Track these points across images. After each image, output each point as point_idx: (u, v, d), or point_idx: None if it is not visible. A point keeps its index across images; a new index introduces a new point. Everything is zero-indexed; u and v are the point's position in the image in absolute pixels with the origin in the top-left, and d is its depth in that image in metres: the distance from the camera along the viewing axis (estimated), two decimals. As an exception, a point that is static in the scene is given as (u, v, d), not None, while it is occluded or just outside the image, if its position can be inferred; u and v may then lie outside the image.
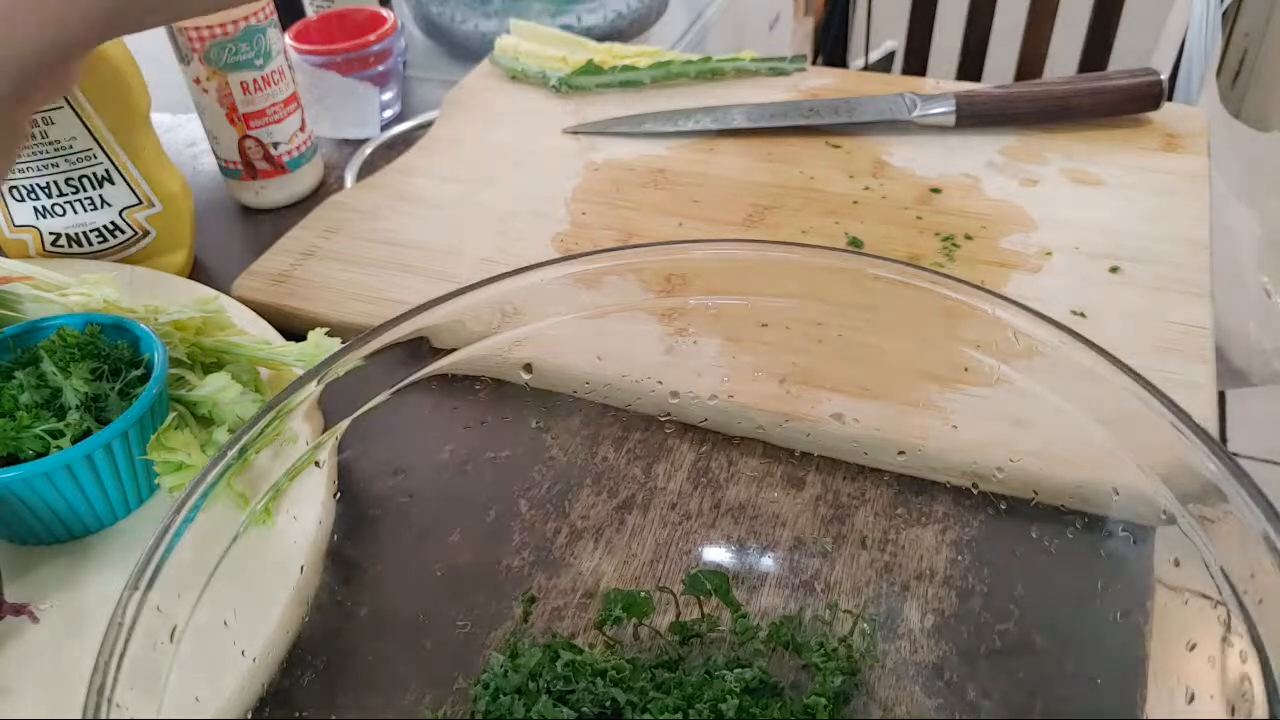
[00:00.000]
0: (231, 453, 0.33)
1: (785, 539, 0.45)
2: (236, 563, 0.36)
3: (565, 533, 0.47)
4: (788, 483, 0.48)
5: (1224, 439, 1.60)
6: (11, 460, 0.41)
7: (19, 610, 0.38)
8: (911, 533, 0.45)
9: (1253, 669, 0.29)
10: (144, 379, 0.44)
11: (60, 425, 0.41)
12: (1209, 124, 0.69)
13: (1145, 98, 0.67)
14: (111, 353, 0.44)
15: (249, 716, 0.36)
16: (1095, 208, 0.61)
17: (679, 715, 0.36)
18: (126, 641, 0.29)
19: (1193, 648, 0.32)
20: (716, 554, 0.44)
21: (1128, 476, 0.35)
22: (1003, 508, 0.42)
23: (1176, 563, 0.34)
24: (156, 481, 0.43)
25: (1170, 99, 0.72)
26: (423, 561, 0.45)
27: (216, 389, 0.46)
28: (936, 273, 0.39)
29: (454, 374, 0.44)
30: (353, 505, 0.43)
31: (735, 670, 0.39)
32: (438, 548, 0.45)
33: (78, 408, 0.41)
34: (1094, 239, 0.59)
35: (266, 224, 0.70)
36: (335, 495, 0.42)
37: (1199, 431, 0.31)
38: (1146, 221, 0.60)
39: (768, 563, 0.44)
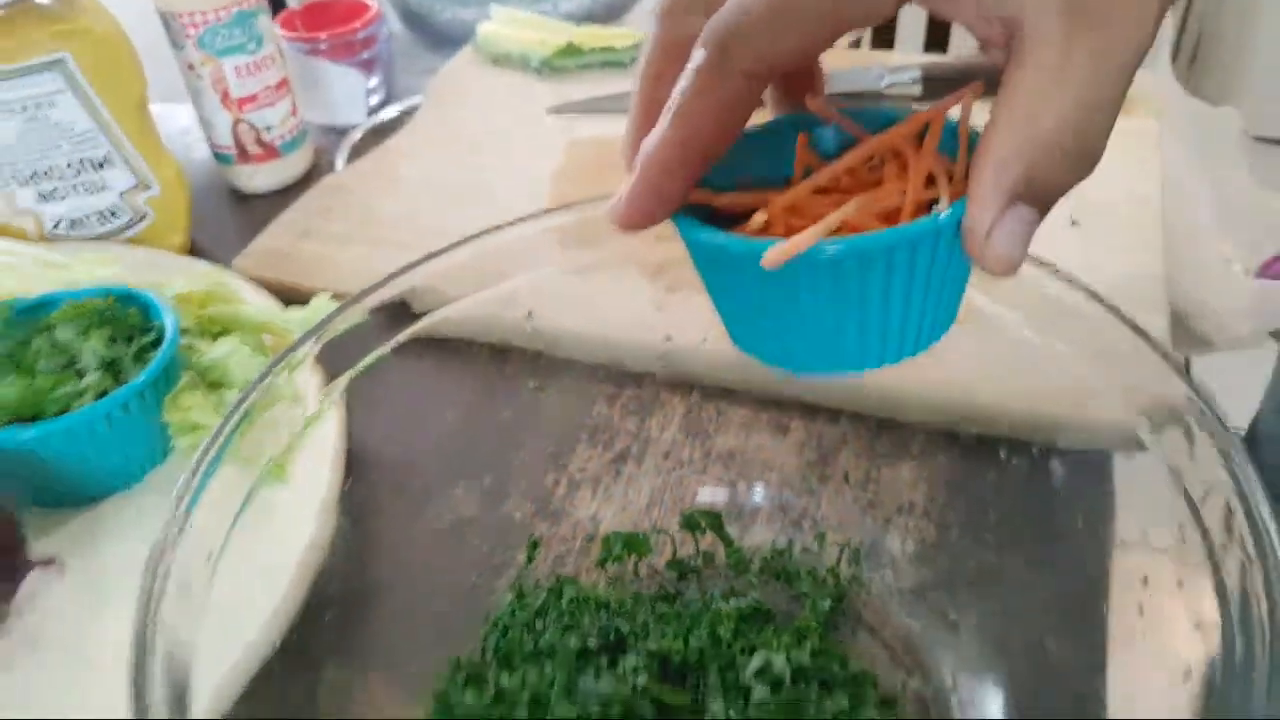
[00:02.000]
0: (259, 386, 0.35)
1: (774, 480, 0.48)
2: (253, 517, 0.38)
3: (564, 484, 0.49)
4: (774, 429, 0.50)
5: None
6: (34, 422, 0.43)
7: (47, 563, 0.39)
8: (892, 471, 0.48)
9: (1205, 570, 0.31)
10: (156, 344, 0.46)
11: (80, 386, 0.43)
12: (1163, 95, 0.72)
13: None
14: (124, 320, 0.46)
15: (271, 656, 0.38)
16: (1058, 169, 0.64)
17: (679, 640, 0.39)
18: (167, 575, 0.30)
19: (1146, 581, 0.35)
20: (709, 495, 0.47)
21: (1093, 403, 0.38)
22: (975, 445, 0.45)
23: (1135, 489, 0.37)
24: (172, 443, 0.45)
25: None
26: (428, 515, 0.47)
27: (226, 353, 0.47)
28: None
29: (451, 338, 0.46)
30: (359, 463, 0.45)
31: (731, 600, 0.41)
32: (442, 501, 0.47)
33: (96, 369, 0.43)
34: (1057, 196, 0.61)
35: (260, 208, 0.72)
36: (344, 453, 0.44)
37: (1157, 346, 0.34)
38: (1102, 178, 0.62)
39: (757, 502, 0.47)
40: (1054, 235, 0.57)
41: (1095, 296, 0.36)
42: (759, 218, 0.26)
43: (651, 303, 0.51)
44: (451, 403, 0.49)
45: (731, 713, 0.36)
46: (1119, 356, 0.36)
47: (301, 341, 0.39)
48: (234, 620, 0.37)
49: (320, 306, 0.50)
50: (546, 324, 0.48)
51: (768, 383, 0.51)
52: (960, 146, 0.26)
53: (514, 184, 0.68)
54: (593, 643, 0.40)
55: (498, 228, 0.43)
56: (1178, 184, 0.90)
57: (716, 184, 0.28)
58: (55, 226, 0.61)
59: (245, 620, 0.37)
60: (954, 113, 0.27)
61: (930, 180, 0.26)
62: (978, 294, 0.41)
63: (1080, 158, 0.24)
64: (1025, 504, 0.43)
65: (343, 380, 0.42)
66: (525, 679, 0.37)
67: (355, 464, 0.45)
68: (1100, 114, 0.24)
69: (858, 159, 0.27)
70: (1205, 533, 0.31)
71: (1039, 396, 0.43)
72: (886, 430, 0.49)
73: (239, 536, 0.36)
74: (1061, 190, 0.25)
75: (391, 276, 0.42)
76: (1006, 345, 0.41)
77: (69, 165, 0.59)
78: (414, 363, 0.45)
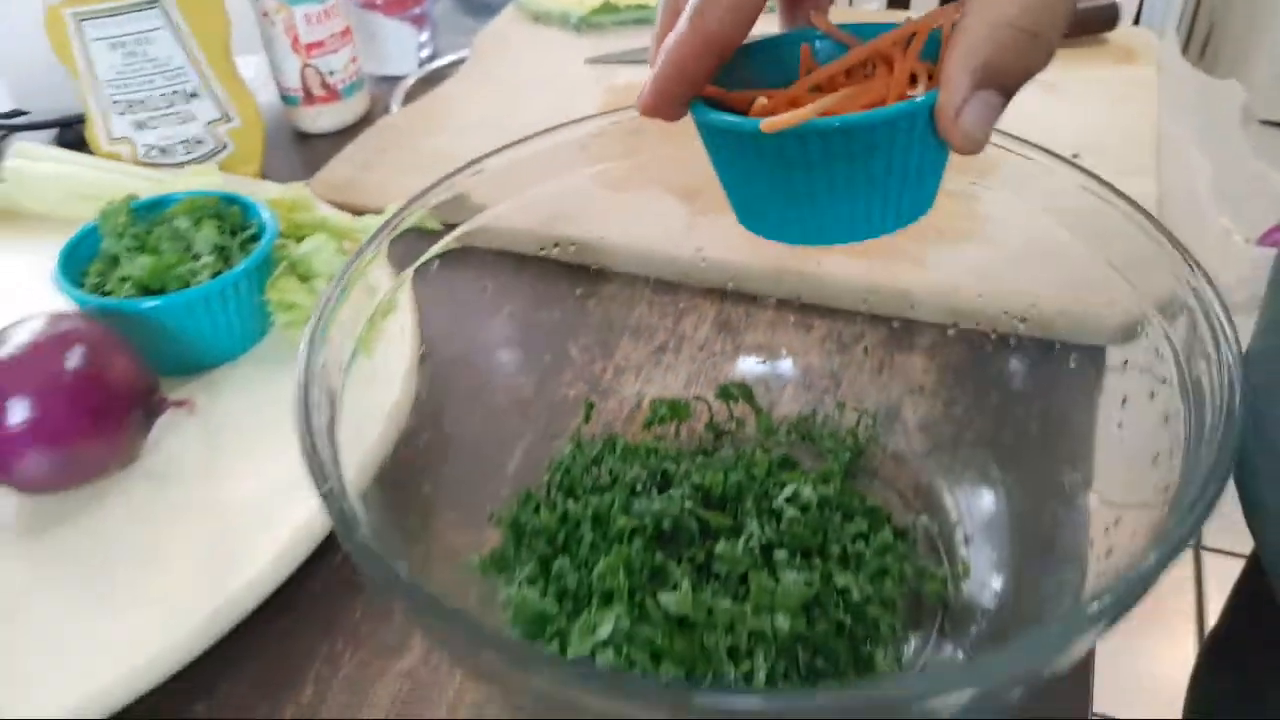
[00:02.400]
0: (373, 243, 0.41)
1: (799, 365, 0.54)
2: (353, 380, 0.44)
3: (611, 370, 0.55)
4: (798, 327, 0.56)
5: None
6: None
7: (180, 404, 0.46)
8: (905, 359, 0.54)
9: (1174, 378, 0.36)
10: (255, 239, 0.52)
11: (197, 267, 0.49)
12: (1166, 68, 0.77)
13: (1103, 19, 0.76)
14: (229, 216, 0.53)
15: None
16: (1060, 109, 0.70)
17: (719, 476, 0.45)
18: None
19: (1124, 400, 0.41)
20: (741, 371, 0.53)
21: (1095, 295, 0.43)
22: (981, 338, 0.51)
23: (1124, 364, 0.42)
24: (271, 319, 0.51)
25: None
26: (490, 392, 0.53)
27: (313, 248, 0.54)
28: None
29: (500, 250, 0.52)
30: (427, 353, 0.51)
31: (762, 452, 0.48)
32: (502, 382, 0.53)
33: (210, 254, 0.50)
34: (1058, 133, 0.67)
35: (321, 146, 0.78)
36: (416, 336, 0.50)
37: (1164, 234, 0.39)
38: (1104, 118, 0.69)
39: (784, 380, 0.53)
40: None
41: (1105, 184, 0.41)
42: (762, 101, 0.32)
43: (684, 224, 0.57)
44: (504, 305, 0.55)
45: (766, 530, 0.42)
46: (1124, 248, 0.41)
47: (379, 231, 0.45)
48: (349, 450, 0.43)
49: (394, 211, 0.56)
50: (588, 238, 0.54)
51: (791, 290, 0.56)
52: (941, 52, 0.31)
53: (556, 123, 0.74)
54: (642, 483, 0.46)
55: (545, 131, 0.49)
56: (1178, 156, 0.96)
57: (729, 87, 0.33)
58: (146, 153, 0.68)
59: (357, 446, 0.42)
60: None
61: (914, 80, 0.32)
62: (984, 190, 0.47)
63: (1036, 44, 0.28)
64: (1025, 383, 0.49)
65: (408, 272, 0.48)
66: (588, 503, 0.43)
67: (424, 352, 0.52)
68: (1057, 3, 0.28)
69: (852, 61, 0.32)
70: (1174, 348, 0.36)
71: (1046, 291, 0.49)
72: (901, 328, 0.55)
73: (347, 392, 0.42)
74: (1020, 75, 0.29)
75: (448, 176, 0.47)
76: (1011, 244, 0.47)
77: (162, 97, 0.66)
78: (468, 272, 0.51)
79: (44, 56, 0.67)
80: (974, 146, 0.30)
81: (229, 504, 0.46)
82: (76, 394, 0.42)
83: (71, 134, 0.76)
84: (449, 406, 0.51)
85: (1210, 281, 0.36)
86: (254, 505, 0.45)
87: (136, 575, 0.42)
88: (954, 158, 0.33)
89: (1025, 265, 0.50)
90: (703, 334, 0.57)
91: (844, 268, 0.56)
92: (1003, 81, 0.29)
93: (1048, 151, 0.43)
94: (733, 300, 0.58)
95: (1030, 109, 0.69)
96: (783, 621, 0.37)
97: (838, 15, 0.36)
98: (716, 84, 0.33)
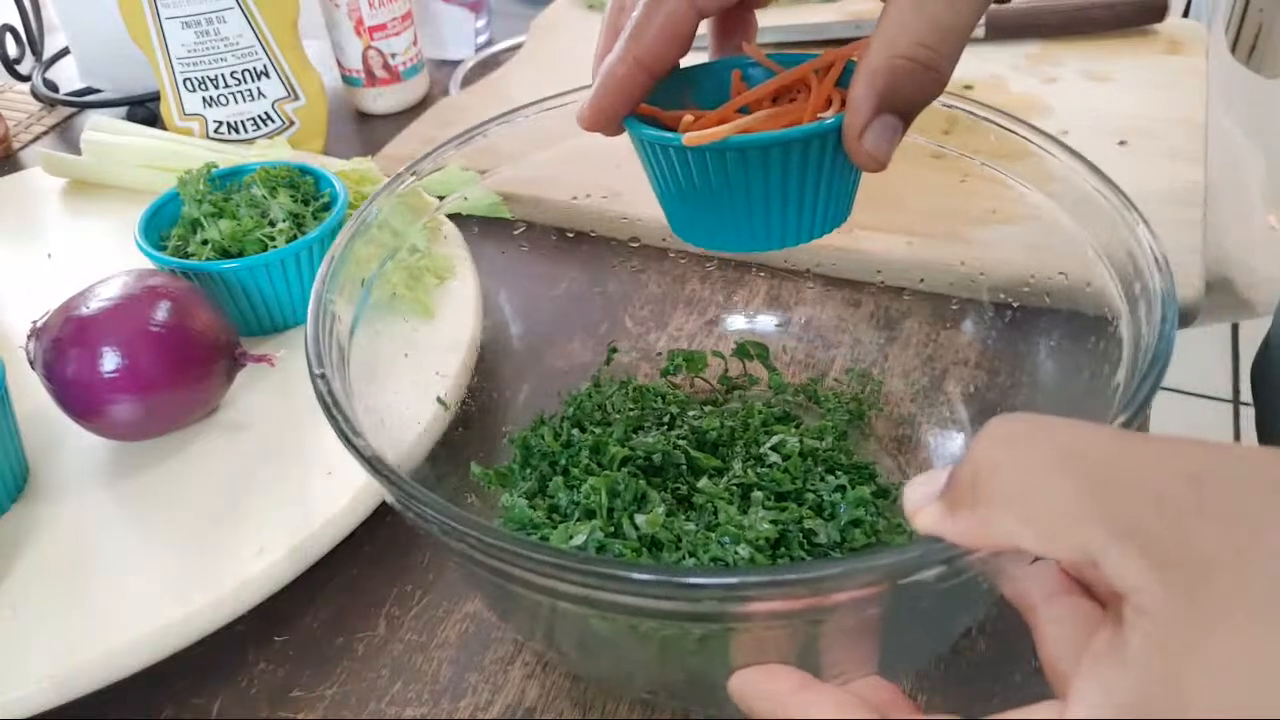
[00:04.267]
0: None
1: (846, 340, 0.55)
2: (416, 344, 0.46)
3: (665, 340, 0.57)
4: (847, 303, 0.58)
5: (1237, 372, 1.69)
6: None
7: (261, 358, 0.48)
8: (949, 334, 0.55)
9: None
10: (326, 208, 0.55)
11: (273, 231, 0.52)
12: (1216, 68, 0.78)
13: (1152, 10, 0.77)
14: (302, 186, 0.55)
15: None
16: (1106, 97, 0.71)
17: (716, 421, 0.47)
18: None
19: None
20: (791, 345, 0.55)
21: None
22: (1020, 314, 0.52)
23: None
24: (342, 284, 0.54)
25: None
26: (550, 357, 0.55)
27: (383, 218, 0.56)
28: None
29: (556, 227, 0.54)
30: (491, 323, 0.53)
31: (764, 406, 0.49)
32: (560, 349, 0.55)
33: (284, 220, 0.52)
34: (1105, 120, 0.68)
35: (381, 126, 0.81)
36: (479, 305, 0.52)
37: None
38: (1151, 106, 0.70)
39: (833, 355, 0.54)
40: (1104, 153, 0.64)
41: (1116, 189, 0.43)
42: (688, 118, 0.34)
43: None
44: (564, 279, 0.57)
45: (749, 473, 0.44)
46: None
47: (404, 172, 0.47)
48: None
49: (452, 172, 0.58)
50: (641, 214, 0.56)
51: (839, 269, 0.58)
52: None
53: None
54: (647, 423, 0.48)
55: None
56: (1227, 150, 0.96)
57: (666, 108, 0.35)
58: (216, 129, 0.71)
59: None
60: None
61: (830, 103, 0.34)
62: (1030, 191, 0.48)
63: (929, 75, 0.31)
64: (1060, 357, 0.50)
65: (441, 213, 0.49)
66: (591, 434, 0.45)
67: (488, 323, 0.54)
68: (949, 38, 0.30)
69: (776, 86, 0.35)
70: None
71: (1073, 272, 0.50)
72: (946, 304, 0.56)
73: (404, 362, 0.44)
74: (917, 101, 0.31)
75: (475, 128, 0.50)
76: (1047, 233, 0.48)
77: (233, 75, 0.68)
78: (528, 247, 0.53)
79: (112, 36, 0.70)
80: (876, 165, 0.32)
81: (302, 454, 0.48)
82: (164, 345, 0.45)
83: (142, 111, 0.79)
84: (507, 367, 0.53)
85: (1149, 228, 0.38)
86: (326, 456, 0.47)
87: (216, 517, 0.45)
88: (976, 145, 0.34)
89: (1031, 249, 0.50)
90: (754, 307, 0.59)
91: (887, 245, 0.58)
92: (901, 106, 0.31)
93: (1039, 130, 0.45)
94: (782, 279, 0.60)
95: (1078, 96, 0.71)
96: (745, 552, 0.39)
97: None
98: (655, 104, 0.35)
